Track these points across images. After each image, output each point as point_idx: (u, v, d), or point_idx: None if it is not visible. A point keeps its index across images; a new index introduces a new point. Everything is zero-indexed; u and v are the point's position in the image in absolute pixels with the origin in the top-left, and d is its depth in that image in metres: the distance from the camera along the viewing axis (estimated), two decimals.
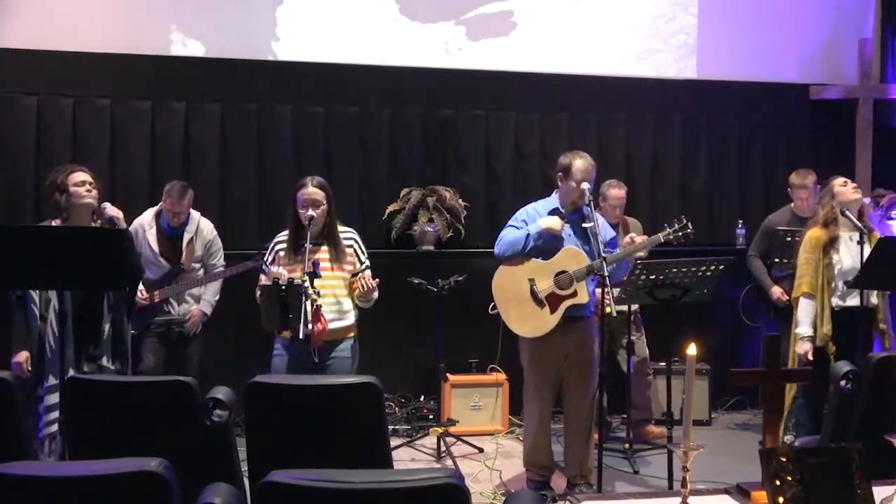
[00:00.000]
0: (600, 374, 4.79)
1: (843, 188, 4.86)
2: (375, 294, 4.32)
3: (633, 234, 5.19)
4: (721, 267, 4.55)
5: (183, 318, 5.38)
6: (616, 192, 5.96)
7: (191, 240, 5.41)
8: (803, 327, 4.81)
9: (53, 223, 4.15)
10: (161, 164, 6.40)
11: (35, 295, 4.05)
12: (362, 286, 4.21)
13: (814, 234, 4.88)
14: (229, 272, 5.46)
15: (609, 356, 5.97)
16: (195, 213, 5.51)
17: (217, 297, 5.55)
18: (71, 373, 3.98)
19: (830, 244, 4.81)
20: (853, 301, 4.77)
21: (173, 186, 5.42)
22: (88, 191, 4.13)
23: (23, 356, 4.10)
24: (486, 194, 7.00)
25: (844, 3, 7.59)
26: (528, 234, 4.62)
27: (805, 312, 4.83)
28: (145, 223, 5.35)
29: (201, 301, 5.47)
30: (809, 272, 4.82)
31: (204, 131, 6.54)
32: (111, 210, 4.10)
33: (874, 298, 4.81)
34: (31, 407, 4.00)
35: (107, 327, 4.10)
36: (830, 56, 7.55)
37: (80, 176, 4.16)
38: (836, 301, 4.80)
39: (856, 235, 4.79)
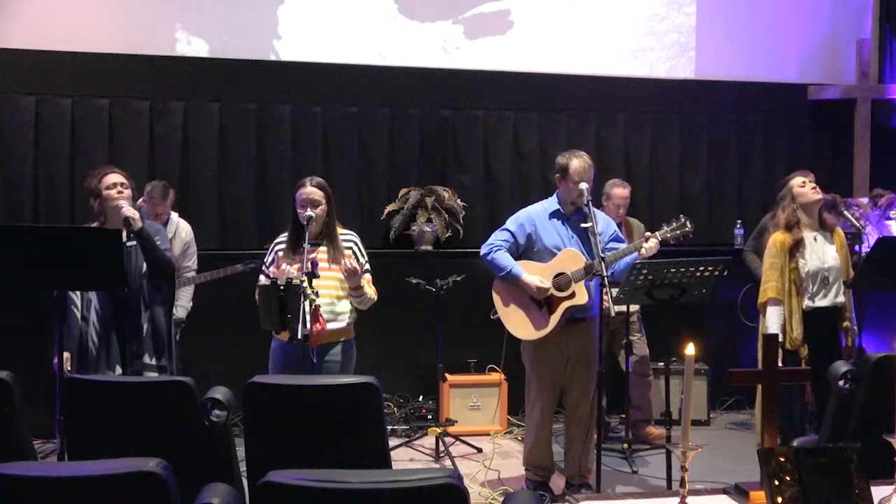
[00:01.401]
0: (599, 373, 4.79)
1: (803, 189, 4.76)
2: (369, 292, 4.29)
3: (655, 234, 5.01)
4: (720, 268, 4.55)
5: None
6: (620, 191, 5.96)
7: (170, 241, 5.41)
8: (772, 333, 4.72)
9: (93, 226, 4.20)
10: (160, 165, 6.39)
11: (76, 296, 4.08)
12: (345, 265, 4.14)
13: (777, 237, 4.76)
14: (217, 274, 5.45)
15: (609, 356, 5.97)
16: (174, 215, 5.52)
17: (191, 304, 5.56)
18: (118, 371, 4.07)
19: (795, 247, 4.70)
20: (822, 301, 4.73)
21: (155, 187, 5.41)
22: (120, 192, 4.16)
23: (63, 356, 4.13)
24: (485, 194, 7.00)
25: (843, 3, 7.60)
26: (511, 272, 4.64)
27: (773, 318, 4.72)
28: None
29: (178, 308, 5.48)
30: (775, 277, 4.71)
31: (203, 131, 6.54)
32: (126, 210, 4.11)
33: (841, 297, 4.76)
34: None
35: (145, 325, 4.13)
36: (829, 56, 7.56)
37: (113, 178, 4.20)
38: (806, 303, 4.72)
39: (819, 235, 4.76)
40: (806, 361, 4.67)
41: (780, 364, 4.53)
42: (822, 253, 4.72)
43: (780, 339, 4.66)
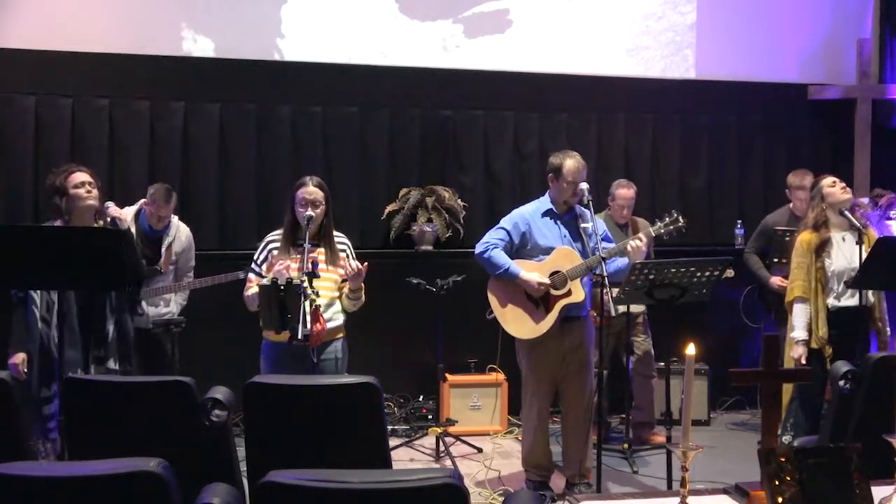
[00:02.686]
0: (599, 374, 4.79)
1: (832, 189, 4.80)
2: (362, 296, 4.30)
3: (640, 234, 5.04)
4: (720, 268, 4.55)
5: (159, 316, 5.38)
6: (625, 191, 5.94)
7: (170, 244, 5.41)
8: (797, 331, 4.75)
9: (56, 224, 4.13)
10: (160, 165, 6.39)
11: (37, 297, 4.03)
12: (349, 268, 4.15)
13: (805, 237, 4.82)
14: (217, 280, 5.45)
15: (615, 357, 5.96)
16: (174, 218, 5.52)
17: (185, 302, 5.59)
18: (79, 374, 3.97)
19: (822, 247, 4.75)
20: (848, 301, 4.74)
21: (158, 190, 5.40)
22: (88, 192, 4.10)
23: (19, 358, 4.08)
24: (485, 194, 7.00)
25: (843, 3, 7.59)
26: (508, 270, 4.65)
27: (799, 316, 4.76)
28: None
29: (171, 304, 5.49)
30: (801, 276, 4.77)
31: (203, 131, 6.54)
32: (114, 210, 4.08)
33: (871, 296, 4.77)
34: (33, 409, 4.00)
35: (111, 329, 4.10)
36: (829, 56, 7.56)
37: (80, 177, 4.12)
38: (831, 302, 4.76)
39: (848, 235, 4.77)
40: (831, 360, 4.68)
41: (804, 362, 4.61)
42: (849, 253, 4.73)
43: (807, 337, 4.69)
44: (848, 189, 4.83)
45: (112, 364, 4.08)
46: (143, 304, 5.31)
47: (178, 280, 5.51)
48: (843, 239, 4.76)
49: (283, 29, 6.71)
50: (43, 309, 4.02)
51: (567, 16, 7.14)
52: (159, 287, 5.34)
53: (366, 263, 4.22)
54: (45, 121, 6.27)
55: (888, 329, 4.85)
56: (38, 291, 4.02)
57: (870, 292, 4.76)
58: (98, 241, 3.73)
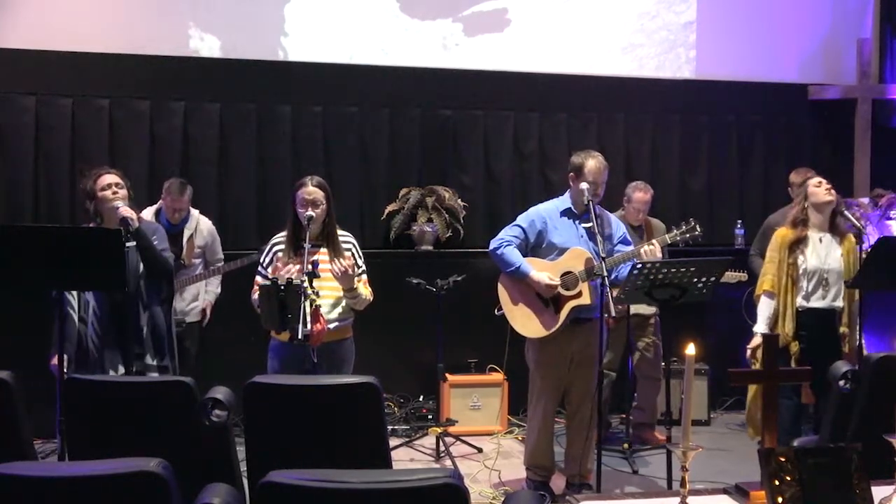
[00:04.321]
0: (599, 374, 4.79)
1: (817, 189, 4.81)
2: (364, 293, 4.27)
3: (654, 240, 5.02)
4: (722, 269, 4.55)
5: (184, 314, 5.41)
6: (641, 195, 5.91)
7: (191, 236, 5.46)
8: (758, 325, 4.83)
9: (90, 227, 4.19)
10: (160, 164, 6.40)
11: (72, 297, 4.06)
12: (334, 267, 4.10)
13: (781, 232, 4.86)
14: (231, 266, 5.50)
15: (624, 359, 5.94)
16: (194, 211, 5.56)
17: (219, 290, 5.66)
18: (121, 372, 4.05)
19: (796, 244, 4.76)
20: (818, 303, 4.76)
21: (172, 184, 5.47)
22: (115, 193, 4.14)
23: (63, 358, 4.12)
24: (485, 194, 7.00)
25: (843, 3, 7.60)
26: (519, 269, 4.64)
27: (762, 310, 4.83)
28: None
29: (208, 293, 5.58)
30: (772, 271, 4.81)
31: (203, 131, 6.54)
32: (124, 210, 4.09)
33: (840, 301, 4.77)
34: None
35: (145, 325, 4.12)
36: (829, 56, 7.56)
37: (108, 179, 4.17)
38: (799, 301, 4.77)
39: (826, 237, 4.77)
40: (796, 358, 4.70)
41: (757, 356, 4.61)
42: (824, 254, 4.74)
43: (767, 331, 4.72)
44: (832, 191, 4.82)
45: (150, 360, 4.13)
46: None
47: (212, 267, 5.58)
48: (820, 240, 4.77)
49: (288, 28, 6.72)
50: (81, 310, 4.07)
51: (563, 14, 7.16)
52: (183, 279, 5.39)
53: (350, 261, 4.20)
54: (45, 121, 6.27)
55: (856, 335, 4.82)
56: (74, 292, 4.06)
57: (839, 297, 4.75)
58: (98, 241, 3.74)
